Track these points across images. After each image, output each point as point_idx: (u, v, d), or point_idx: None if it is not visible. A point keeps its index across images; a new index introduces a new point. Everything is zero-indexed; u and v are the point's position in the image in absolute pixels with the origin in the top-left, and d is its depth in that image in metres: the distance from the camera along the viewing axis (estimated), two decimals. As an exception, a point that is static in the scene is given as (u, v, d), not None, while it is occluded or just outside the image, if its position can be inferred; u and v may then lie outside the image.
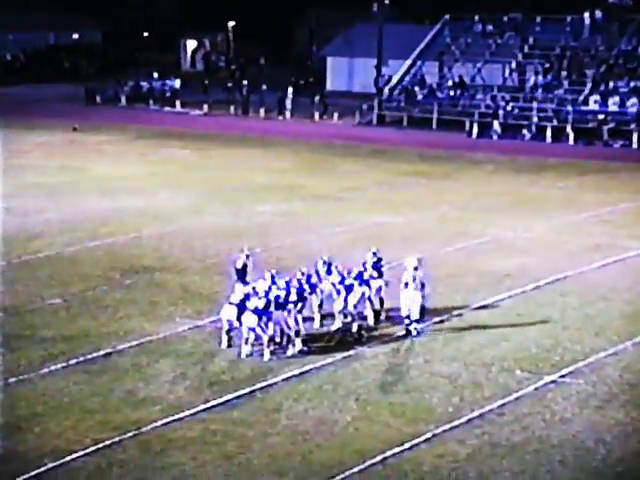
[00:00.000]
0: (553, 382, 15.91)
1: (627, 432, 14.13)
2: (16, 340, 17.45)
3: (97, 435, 13.69)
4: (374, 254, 19.06)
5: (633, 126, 43.23)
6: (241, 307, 16.97)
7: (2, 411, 14.42)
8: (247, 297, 17.09)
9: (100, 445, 13.42)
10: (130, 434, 13.75)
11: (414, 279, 18.19)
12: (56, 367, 16.24)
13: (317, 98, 51.84)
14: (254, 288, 17.34)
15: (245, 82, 54.67)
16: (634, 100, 44.19)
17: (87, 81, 61.59)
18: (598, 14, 49.57)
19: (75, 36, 77.36)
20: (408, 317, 18.12)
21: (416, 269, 18.31)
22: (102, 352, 16.93)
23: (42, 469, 12.79)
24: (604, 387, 15.72)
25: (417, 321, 18.17)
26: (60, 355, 16.74)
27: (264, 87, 53.89)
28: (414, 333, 18.04)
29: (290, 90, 52.74)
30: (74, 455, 13.14)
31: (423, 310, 18.29)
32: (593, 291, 20.98)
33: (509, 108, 46.52)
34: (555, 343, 17.69)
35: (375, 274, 18.70)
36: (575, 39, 49.84)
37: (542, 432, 14.09)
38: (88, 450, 13.28)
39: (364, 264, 18.71)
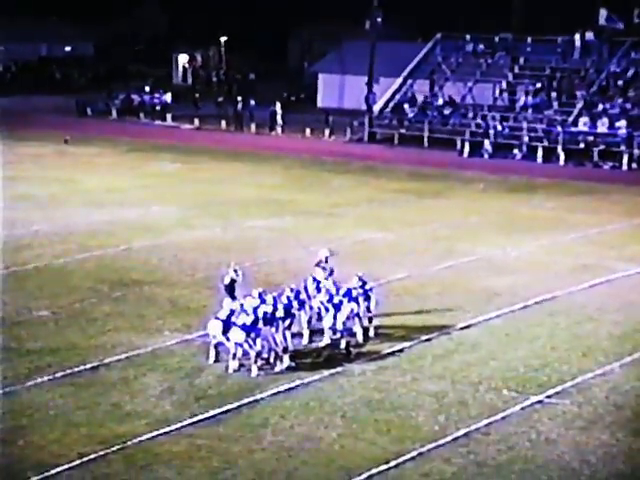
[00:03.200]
0: (539, 402, 15.94)
1: (612, 453, 14.16)
2: (3, 352, 17.40)
3: (82, 449, 13.65)
4: (360, 279, 19.03)
5: (623, 148, 43.49)
6: (227, 322, 16.98)
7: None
8: (232, 312, 17.13)
9: (85, 459, 13.37)
10: (115, 448, 13.71)
11: (324, 270, 19.43)
12: (42, 380, 16.20)
13: (331, 118, 51.56)
14: (242, 305, 17.36)
15: (239, 98, 54.81)
16: (623, 122, 44.45)
17: (78, 93, 61.68)
18: (589, 36, 49.88)
19: (67, 48, 77.50)
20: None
21: (326, 260, 19.70)
22: (89, 365, 16.90)
23: (26, 482, 12.77)
24: (590, 408, 15.76)
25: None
26: (47, 368, 16.70)
27: (252, 102, 54.04)
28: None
29: (279, 105, 52.88)
30: (58, 469, 13.09)
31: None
32: (581, 312, 21.05)
33: (500, 128, 46.75)
34: (543, 363, 17.73)
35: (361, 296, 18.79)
36: (565, 60, 50.13)
37: (528, 452, 14.11)
38: (73, 464, 13.23)
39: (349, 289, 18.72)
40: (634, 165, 43.03)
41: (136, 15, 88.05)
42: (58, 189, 33.91)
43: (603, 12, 49.42)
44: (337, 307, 18.03)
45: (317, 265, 19.77)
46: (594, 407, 15.80)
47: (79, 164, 39.94)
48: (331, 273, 19.52)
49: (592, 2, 50.88)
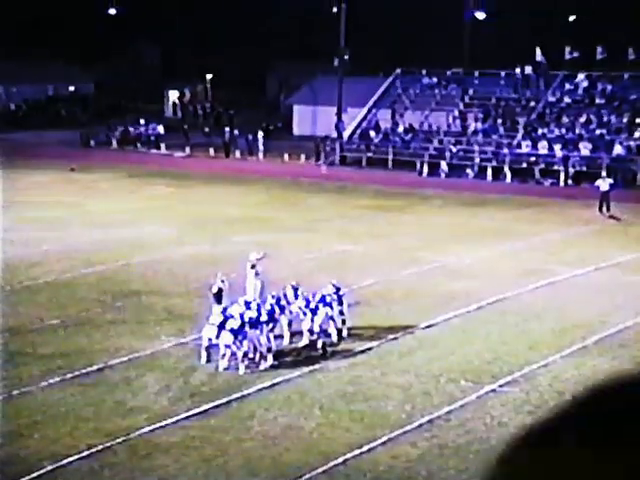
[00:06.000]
0: (493, 391, 16.00)
1: (557, 434, 14.21)
2: (19, 357, 17.28)
3: (90, 441, 13.57)
4: (334, 285, 19.05)
5: (560, 167, 43.85)
6: (221, 327, 16.95)
7: (6, 420, 14.26)
8: (225, 318, 17.10)
9: (93, 450, 13.30)
10: (120, 440, 13.64)
11: (255, 270, 19.58)
12: (54, 380, 16.10)
13: (322, 144, 51.27)
14: (225, 310, 17.29)
15: (227, 128, 54.74)
16: (560, 145, 44.91)
17: (82, 127, 61.33)
18: (528, 70, 50.35)
19: (71, 88, 77.18)
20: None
21: (253, 267, 19.68)
22: (95, 367, 16.81)
23: (42, 471, 12.67)
24: (536, 394, 15.84)
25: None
26: (58, 370, 16.59)
27: (236, 132, 54.10)
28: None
29: (261, 134, 53.01)
30: (70, 459, 13.02)
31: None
32: (527, 310, 21.16)
33: (454, 150, 46.98)
34: (495, 356, 17.80)
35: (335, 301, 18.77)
36: (508, 91, 50.56)
37: (483, 435, 14.16)
38: (82, 454, 13.16)
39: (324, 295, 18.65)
40: (570, 182, 43.39)
41: (131, 56, 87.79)
42: (65, 212, 33.68)
43: (539, 50, 49.91)
44: (314, 311, 18.03)
45: (252, 268, 19.74)
46: (540, 393, 15.89)
47: (83, 189, 39.71)
48: (257, 274, 19.57)
49: (529, 41, 51.34)
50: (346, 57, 54.38)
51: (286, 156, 51.51)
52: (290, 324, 18.48)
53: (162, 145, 55.39)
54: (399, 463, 13.10)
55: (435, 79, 53.19)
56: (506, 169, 44.86)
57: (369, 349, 18.18)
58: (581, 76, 49.31)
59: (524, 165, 44.83)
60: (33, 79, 72.10)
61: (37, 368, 16.70)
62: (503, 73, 51.23)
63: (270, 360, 17.04)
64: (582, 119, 46.65)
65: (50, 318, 19.91)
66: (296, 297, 18.67)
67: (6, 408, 14.78)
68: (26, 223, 30.82)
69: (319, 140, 51.75)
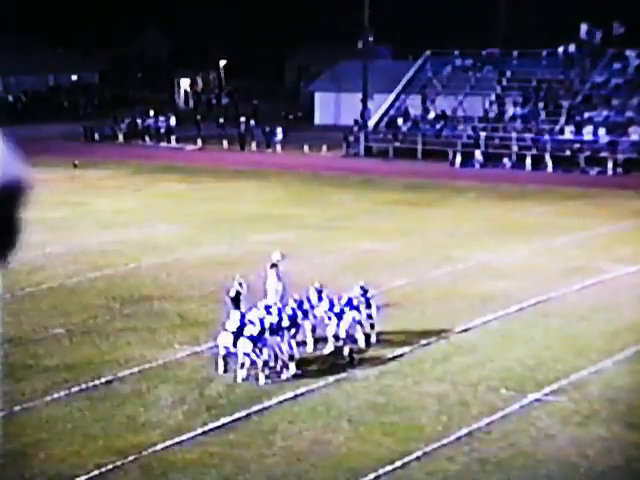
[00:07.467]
0: (537, 400, 15.91)
1: (608, 447, 14.12)
2: (21, 369, 17.37)
3: (100, 460, 13.62)
4: (361, 287, 19.05)
5: (607, 154, 43.54)
6: (237, 334, 16.97)
7: (8, 438, 14.34)
8: (243, 324, 17.11)
9: (103, 469, 13.35)
10: (132, 458, 13.69)
11: (276, 271, 19.58)
12: (59, 395, 16.17)
13: (356, 129, 51.14)
14: (244, 316, 17.32)
15: (242, 119, 54.69)
16: (606, 130, 44.58)
17: (85, 120, 61.71)
18: (572, 48, 50.04)
19: (74, 77, 77.68)
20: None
21: (273, 266, 19.74)
22: (104, 379, 16.87)
23: (47, 493, 12.75)
24: (586, 404, 15.73)
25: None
26: (63, 383, 16.67)
27: (252, 122, 54.18)
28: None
29: (280, 126, 53.04)
30: (78, 479, 13.07)
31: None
32: (574, 312, 21.03)
33: (490, 138, 46.80)
34: (539, 362, 17.71)
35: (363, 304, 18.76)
36: (550, 72, 50.26)
37: (528, 448, 14.08)
38: (91, 474, 13.21)
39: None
40: (619, 170, 43.07)
41: (138, 42, 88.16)
42: (69, 212, 33.90)
43: (584, 26, 49.60)
44: (339, 315, 18.03)
45: (271, 267, 19.82)
46: (590, 403, 15.77)
47: (88, 187, 39.94)
48: (279, 276, 19.64)
49: (573, 16, 51.04)
50: (371, 39, 54.28)
51: (306, 147, 51.56)
52: (314, 329, 18.48)
53: (172, 138, 55.59)
54: (435, 480, 13.08)
55: (469, 60, 52.99)
56: (547, 157, 44.61)
57: (400, 356, 18.14)
58: (631, 54, 48.91)
59: (567, 153, 44.57)
60: (33, 68, 72.63)
61: (41, 382, 16.77)
62: (544, 52, 50.94)
63: (293, 369, 17.04)
64: (633, 101, 46.30)
65: (54, 327, 20.01)
66: (320, 300, 18.67)
67: (8, 426, 14.85)
68: (28, 225, 30.93)
69: (349, 129, 51.63)
